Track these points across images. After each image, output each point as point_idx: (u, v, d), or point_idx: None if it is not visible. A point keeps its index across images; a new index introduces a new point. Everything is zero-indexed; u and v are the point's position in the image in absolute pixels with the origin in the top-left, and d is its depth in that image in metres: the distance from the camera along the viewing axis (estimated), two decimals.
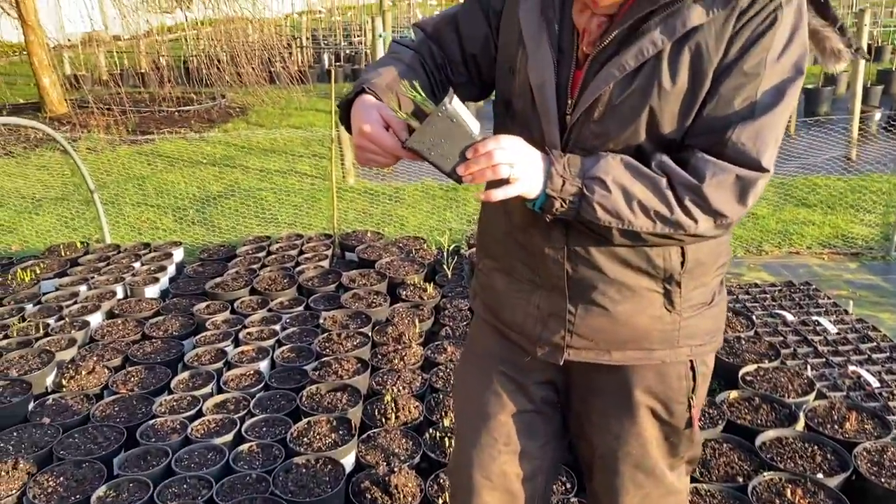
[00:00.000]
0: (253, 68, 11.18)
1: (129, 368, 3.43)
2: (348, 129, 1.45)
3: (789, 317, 3.91)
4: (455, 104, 1.25)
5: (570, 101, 1.38)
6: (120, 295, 4.29)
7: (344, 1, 18.78)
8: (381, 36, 7.36)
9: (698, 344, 1.50)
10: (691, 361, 1.51)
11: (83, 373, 3.35)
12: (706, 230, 1.31)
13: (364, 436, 2.86)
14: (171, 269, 4.66)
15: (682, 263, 1.42)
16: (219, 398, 3.14)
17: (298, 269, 4.47)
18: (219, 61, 11.28)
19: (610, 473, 1.59)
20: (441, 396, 3.10)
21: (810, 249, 5.16)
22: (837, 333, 3.73)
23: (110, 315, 4.07)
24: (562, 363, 1.52)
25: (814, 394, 3.08)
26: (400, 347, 3.49)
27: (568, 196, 1.30)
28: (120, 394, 3.22)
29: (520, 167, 1.27)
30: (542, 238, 1.45)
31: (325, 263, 4.59)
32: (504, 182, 1.27)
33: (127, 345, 3.67)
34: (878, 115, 8.14)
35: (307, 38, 15.18)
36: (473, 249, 4.54)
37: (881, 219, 5.57)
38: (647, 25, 1.28)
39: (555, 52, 1.38)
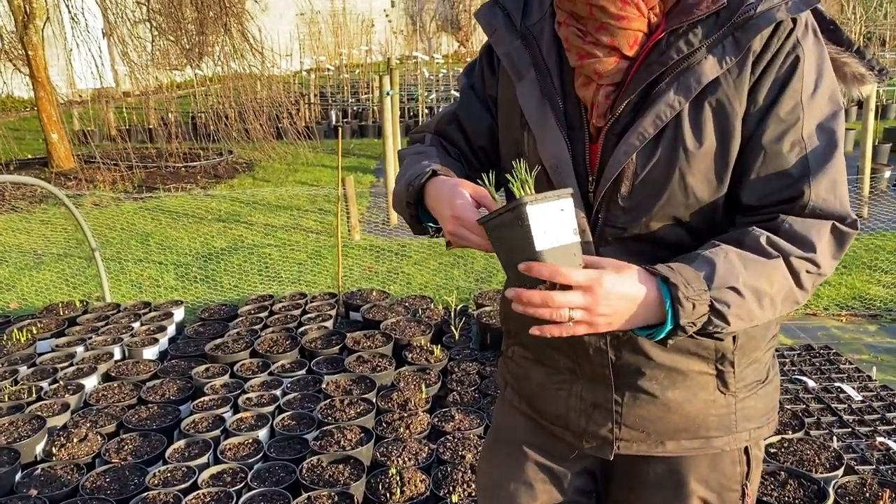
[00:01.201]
0: (261, 124, 11.23)
1: (123, 436, 3.29)
2: (416, 225, 1.39)
3: (811, 383, 3.76)
4: (537, 208, 1.10)
5: (590, 179, 1.28)
6: (117, 356, 4.17)
7: (352, 59, 19.06)
8: (388, 93, 7.37)
9: (756, 427, 1.38)
10: (746, 445, 1.39)
11: (75, 440, 3.21)
12: (810, 295, 1.23)
13: None
14: (171, 330, 4.54)
15: (734, 340, 1.30)
16: (215, 469, 2.99)
17: (301, 329, 4.34)
18: (226, 117, 11.35)
19: None
20: (448, 469, 2.94)
21: (827, 311, 5.02)
22: (862, 401, 3.58)
23: (106, 378, 3.94)
24: (612, 458, 1.39)
25: (842, 468, 2.91)
26: (405, 415, 3.34)
27: (699, 317, 1.13)
28: (112, 463, 3.07)
29: (590, 315, 1.11)
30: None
31: (329, 324, 4.46)
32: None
33: (122, 410, 3.53)
34: (887, 174, 8.08)
35: (315, 95, 15.32)
36: (481, 310, 4.41)
37: None
38: (660, 88, 1.20)
39: (564, 130, 1.29)
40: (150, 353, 4.19)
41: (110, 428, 3.37)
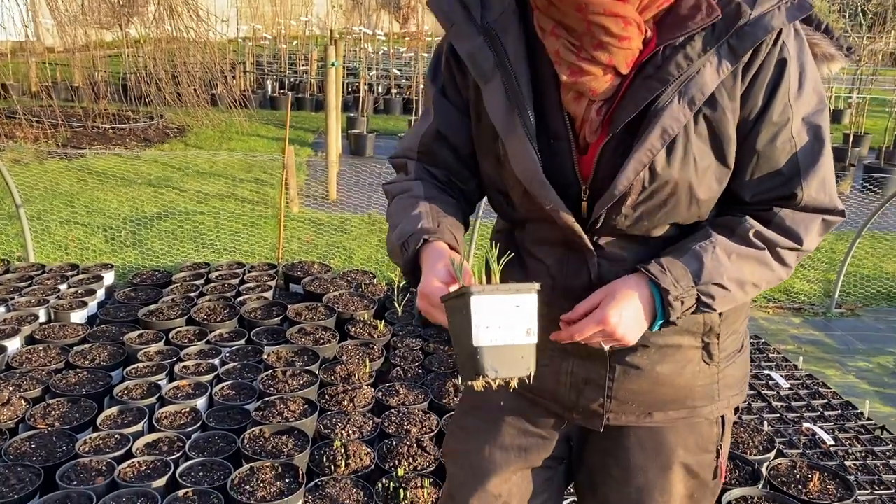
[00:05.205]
0: (195, 89, 10.83)
1: (50, 401, 3.13)
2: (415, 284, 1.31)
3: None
4: (483, 300, 1.06)
5: (584, 188, 1.26)
6: (42, 319, 3.96)
7: (290, 30, 18.59)
8: (333, 64, 7.23)
9: (734, 394, 1.44)
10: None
11: None
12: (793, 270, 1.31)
13: (311, 484, 2.64)
14: (101, 294, 4.34)
15: (720, 314, 1.34)
16: (150, 437, 2.87)
17: (240, 299, 4.22)
18: (159, 80, 10.90)
19: None
20: (394, 443, 2.91)
21: (755, 303, 5.20)
22: (789, 388, 3.72)
23: (31, 341, 3.74)
24: (602, 430, 1.40)
25: (774, 451, 3.03)
26: (349, 388, 3.29)
27: (687, 310, 1.23)
28: (38, 429, 2.92)
29: (615, 339, 1.22)
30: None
31: (269, 295, 4.35)
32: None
33: (48, 374, 3.36)
34: None
35: (251, 64, 14.90)
36: None
37: (822, 276, 5.69)
38: (661, 102, 1.17)
39: (534, 142, 1.23)
40: (77, 316, 4.00)
41: (35, 393, 3.20)
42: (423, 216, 1.30)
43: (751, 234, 1.24)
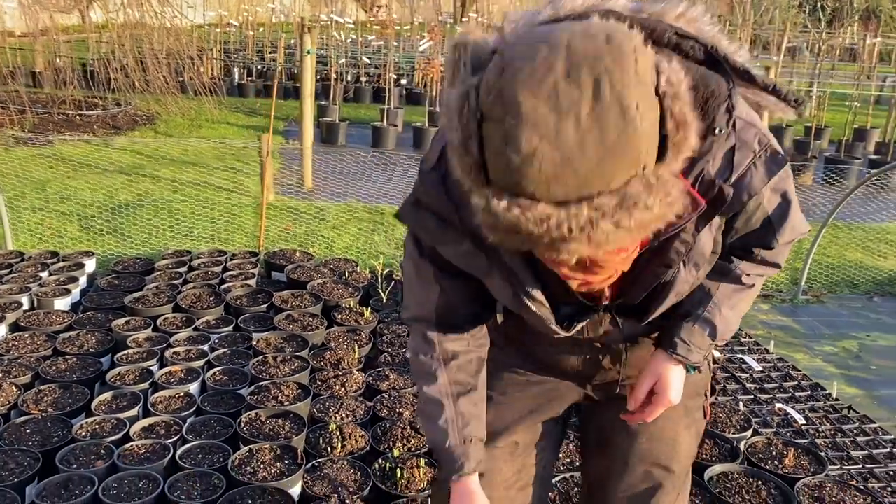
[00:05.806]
0: (163, 76, 10.69)
1: (41, 387, 3.13)
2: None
3: (716, 353, 4.04)
4: None
5: (600, 309, 1.40)
6: (26, 306, 3.94)
7: (257, 17, 18.39)
8: (308, 52, 7.24)
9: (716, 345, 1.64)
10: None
11: None
12: None
13: (309, 465, 2.71)
14: (83, 281, 4.32)
15: None
16: (147, 421, 2.90)
17: (224, 286, 4.24)
18: (126, 66, 10.73)
19: (639, 476, 1.63)
20: (388, 425, 2.99)
21: None
22: (762, 371, 3.88)
23: (16, 328, 3.72)
24: (617, 392, 1.55)
25: (750, 430, 3.17)
26: (340, 373, 3.36)
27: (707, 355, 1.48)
28: (31, 414, 2.93)
29: (674, 402, 1.47)
30: (595, 335, 1.48)
31: (252, 282, 4.38)
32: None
33: (37, 361, 3.36)
34: None
35: (218, 51, 14.72)
36: None
37: (789, 264, 5.88)
38: (670, 275, 1.29)
39: (549, 313, 1.34)
40: (61, 303, 3.99)
41: (25, 379, 3.20)
42: (448, 429, 1.44)
43: (743, 279, 1.43)
